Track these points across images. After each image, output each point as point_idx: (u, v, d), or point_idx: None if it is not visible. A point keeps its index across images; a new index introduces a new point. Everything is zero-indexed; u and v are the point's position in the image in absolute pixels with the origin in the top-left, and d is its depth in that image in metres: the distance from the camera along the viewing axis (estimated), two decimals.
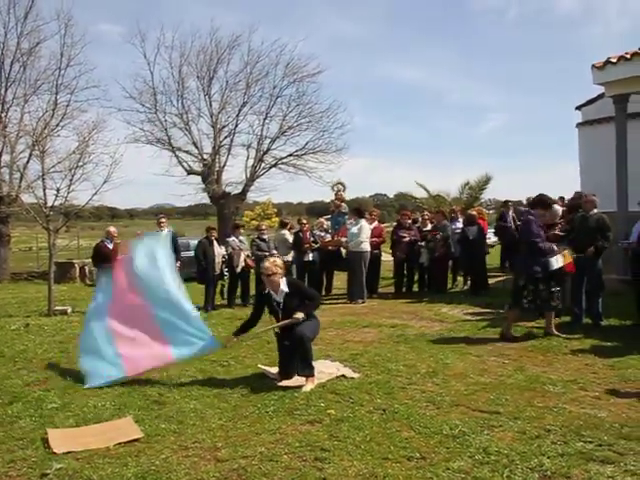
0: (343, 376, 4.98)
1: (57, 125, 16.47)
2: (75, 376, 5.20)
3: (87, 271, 17.35)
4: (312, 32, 58.37)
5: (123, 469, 3.22)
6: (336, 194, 13.45)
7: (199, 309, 9.45)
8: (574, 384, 4.62)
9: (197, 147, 21.64)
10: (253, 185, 21.98)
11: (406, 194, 23.41)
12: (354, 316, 8.32)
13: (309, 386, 4.66)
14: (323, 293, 10.51)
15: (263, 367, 5.36)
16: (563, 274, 6.45)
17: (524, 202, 14.67)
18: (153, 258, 5.55)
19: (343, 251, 10.65)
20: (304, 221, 10.72)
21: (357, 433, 3.64)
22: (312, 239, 10.40)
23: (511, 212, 12.66)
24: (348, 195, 14.94)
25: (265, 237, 10.42)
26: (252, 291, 9.48)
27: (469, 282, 10.61)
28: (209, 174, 21.09)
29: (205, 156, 21.53)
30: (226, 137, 21.89)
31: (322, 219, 11.77)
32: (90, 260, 12.23)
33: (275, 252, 9.85)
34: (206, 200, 22.95)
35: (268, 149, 21.91)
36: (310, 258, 10.28)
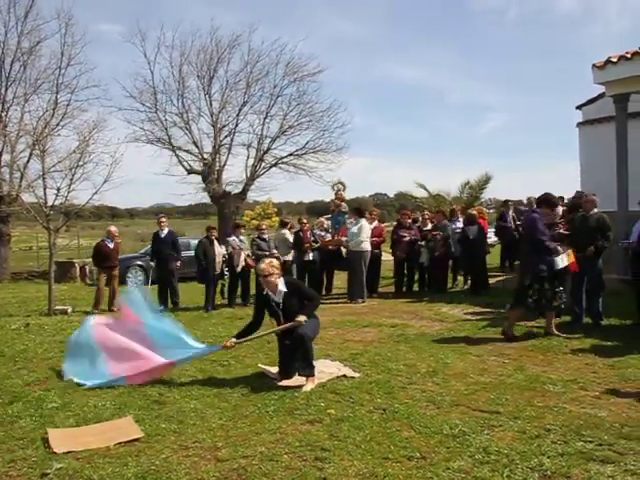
0: (344, 376, 4.98)
1: (57, 124, 16.46)
2: None
3: (87, 271, 17.36)
4: (312, 32, 58.65)
5: (123, 469, 3.22)
6: (336, 193, 13.45)
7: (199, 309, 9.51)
8: (574, 384, 4.62)
9: (197, 146, 21.66)
10: (253, 184, 21.99)
11: (406, 194, 23.39)
12: (354, 316, 8.33)
13: (309, 386, 4.66)
14: (323, 292, 10.52)
15: (263, 367, 5.37)
16: (564, 273, 6.45)
17: (524, 202, 14.68)
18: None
19: (343, 250, 10.66)
20: (304, 220, 10.72)
21: (357, 433, 3.64)
22: (312, 239, 10.40)
23: (511, 212, 12.67)
24: (348, 195, 14.99)
25: (265, 237, 10.42)
26: (252, 291, 9.47)
27: (469, 282, 10.62)
28: (209, 173, 21.09)
29: (205, 155, 21.54)
30: (226, 136, 21.91)
31: (322, 218, 11.77)
32: (90, 259, 12.25)
33: (275, 252, 9.86)
34: (206, 199, 22.98)
35: (268, 148, 21.93)
36: (310, 258, 10.28)
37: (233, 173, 23.56)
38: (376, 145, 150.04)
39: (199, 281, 10.08)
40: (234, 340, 5.07)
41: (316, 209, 39.71)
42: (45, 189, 9.90)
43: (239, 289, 9.97)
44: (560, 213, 7.73)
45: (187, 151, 21.71)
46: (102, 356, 5.14)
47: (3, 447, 3.60)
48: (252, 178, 21.72)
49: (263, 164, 21.96)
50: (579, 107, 12.47)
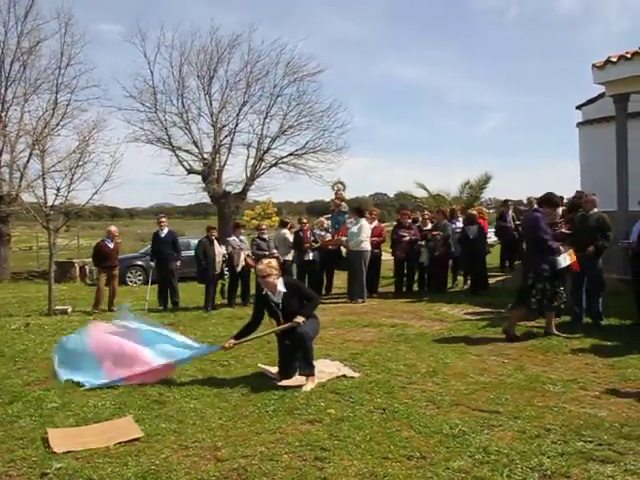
0: (344, 376, 4.98)
1: (57, 124, 16.47)
2: None
3: (87, 270, 17.37)
4: (312, 31, 58.68)
5: (123, 469, 3.21)
6: (336, 193, 13.45)
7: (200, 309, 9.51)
8: (574, 383, 4.62)
9: (197, 146, 21.66)
10: (253, 184, 21.99)
11: (406, 193, 23.36)
12: (354, 315, 8.33)
13: (309, 385, 4.66)
14: (323, 292, 10.52)
15: (263, 366, 5.36)
16: (565, 273, 6.45)
17: (524, 201, 14.67)
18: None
19: (343, 250, 10.66)
20: (304, 220, 10.72)
21: (357, 432, 3.63)
22: (312, 238, 10.40)
23: (511, 212, 12.66)
24: (348, 194, 14.99)
25: (265, 236, 10.43)
26: (252, 290, 9.47)
27: (469, 282, 10.62)
28: (209, 173, 21.10)
29: (205, 155, 21.54)
30: (226, 136, 21.92)
31: (322, 218, 11.78)
32: (90, 259, 12.25)
33: (275, 252, 9.86)
34: (206, 199, 22.98)
35: (268, 148, 21.93)
36: (310, 257, 10.28)
37: (233, 173, 23.50)
38: (376, 145, 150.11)
39: (199, 281, 10.08)
40: (233, 341, 5.07)
41: (316, 209, 39.71)
42: (45, 189, 9.92)
43: (239, 289, 9.97)
44: (560, 213, 7.71)
45: (187, 151, 21.74)
46: (97, 364, 5.12)
47: (3, 447, 3.60)
48: (252, 178, 21.72)
49: (263, 164, 21.98)
50: (579, 107, 12.47)
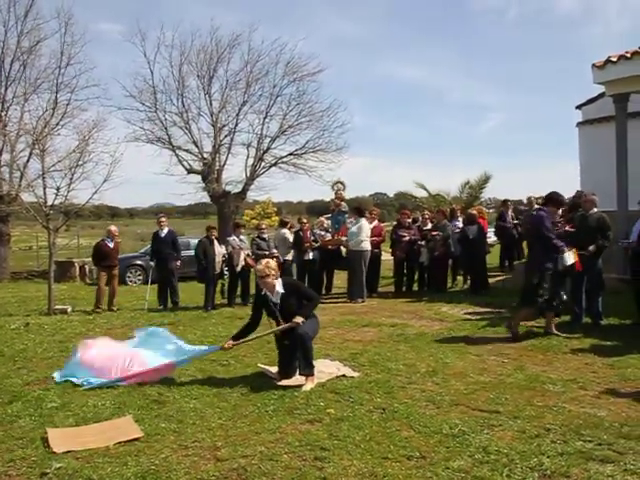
0: (343, 375, 4.98)
1: (57, 124, 16.48)
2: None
3: (87, 270, 17.38)
4: (312, 31, 58.74)
5: (123, 468, 3.21)
6: (336, 193, 13.46)
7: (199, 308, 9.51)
8: (574, 383, 4.62)
9: (197, 146, 21.67)
10: (253, 184, 22.01)
11: (406, 193, 23.36)
12: (354, 315, 8.33)
13: (309, 385, 4.66)
14: (323, 292, 10.52)
15: (263, 366, 5.36)
16: (571, 271, 6.46)
17: (524, 201, 14.67)
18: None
19: (343, 250, 10.66)
20: (304, 220, 10.73)
21: (357, 432, 3.64)
22: (312, 238, 10.40)
23: (510, 211, 12.66)
24: (348, 194, 15.00)
25: (265, 236, 10.43)
26: (252, 290, 9.47)
27: (469, 281, 10.61)
28: (209, 173, 21.10)
29: (205, 155, 21.55)
30: (226, 136, 21.92)
31: (322, 218, 11.78)
32: (90, 259, 12.25)
33: (275, 251, 9.86)
34: (206, 199, 22.99)
35: (268, 148, 21.94)
36: (310, 257, 10.28)
37: (233, 173, 23.55)
38: (376, 145, 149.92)
39: (199, 281, 10.08)
40: (232, 342, 5.07)
41: (316, 209, 39.73)
42: (45, 188, 9.92)
43: (239, 289, 9.97)
44: (560, 212, 7.71)
45: (187, 151, 21.75)
46: (89, 372, 5.12)
47: (2, 447, 3.60)
48: (252, 178, 21.72)
49: (263, 164, 21.99)
50: (579, 107, 12.45)
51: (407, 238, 10.45)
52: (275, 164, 22.10)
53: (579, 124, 12.40)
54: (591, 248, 6.74)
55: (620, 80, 8.70)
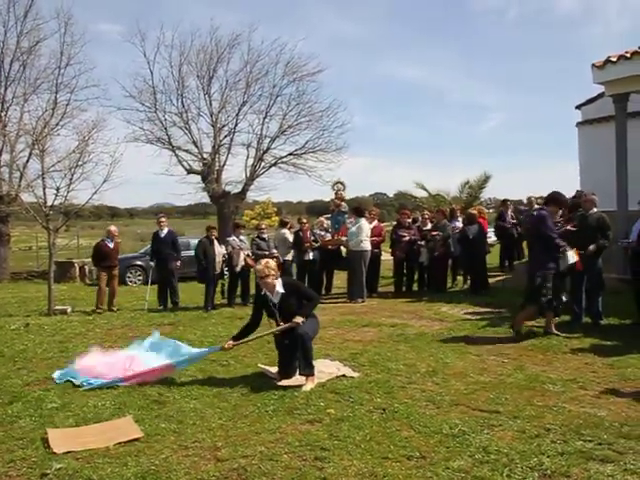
0: (343, 375, 4.98)
1: (57, 124, 16.48)
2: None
3: (87, 270, 17.37)
4: (312, 31, 58.75)
5: (123, 469, 3.22)
6: (336, 193, 13.45)
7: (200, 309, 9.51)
8: (574, 383, 4.62)
9: (197, 146, 21.66)
10: (253, 184, 22.00)
11: (406, 193, 23.35)
12: (354, 315, 8.33)
13: (309, 385, 4.67)
14: (323, 292, 10.52)
15: (263, 366, 5.37)
16: (573, 270, 6.47)
17: (524, 201, 14.67)
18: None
19: (343, 250, 10.66)
20: (304, 220, 10.73)
21: (357, 432, 3.64)
22: (312, 238, 10.41)
23: (510, 211, 12.65)
24: (348, 194, 14.97)
25: (265, 236, 10.43)
26: (252, 290, 9.47)
27: (469, 281, 10.61)
28: (209, 173, 21.09)
29: (205, 155, 21.54)
30: (226, 136, 21.92)
31: (322, 218, 11.78)
32: (90, 259, 12.24)
33: (275, 251, 9.86)
34: (206, 199, 22.99)
35: (268, 148, 21.94)
36: (310, 257, 10.28)
37: (233, 173, 23.55)
38: (376, 145, 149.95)
39: (199, 281, 10.08)
40: (232, 342, 5.07)
41: (316, 209, 39.75)
42: (44, 189, 9.91)
43: (239, 289, 9.97)
44: (559, 212, 7.72)
45: (187, 151, 21.74)
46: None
47: (3, 447, 3.60)
48: (252, 178, 21.72)
49: (263, 164, 21.99)
50: (579, 107, 12.45)
51: (407, 238, 10.45)
52: (275, 164, 22.11)
53: (579, 124, 12.40)
54: (591, 248, 6.74)
55: (620, 80, 8.71)
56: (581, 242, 6.76)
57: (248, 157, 21.89)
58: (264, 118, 21.85)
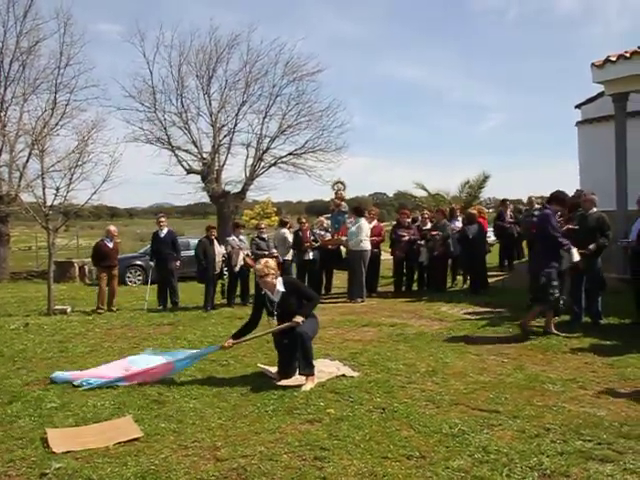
0: (343, 375, 4.98)
1: (56, 124, 16.51)
2: None
3: (87, 270, 17.37)
4: (312, 31, 58.79)
5: (122, 469, 3.21)
6: (336, 193, 13.45)
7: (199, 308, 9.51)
8: (573, 383, 4.62)
9: (196, 146, 21.66)
10: (252, 184, 22.00)
11: (406, 193, 23.40)
12: (354, 315, 8.33)
13: (309, 385, 4.66)
14: (323, 292, 10.52)
15: (262, 366, 5.36)
16: (574, 269, 6.48)
17: (524, 201, 14.68)
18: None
19: (343, 250, 10.66)
20: (303, 220, 10.73)
21: (357, 432, 3.63)
22: (312, 238, 10.41)
23: (509, 211, 12.64)
24: (347, 194, 14.99)
25: (265, 236, 10.43)
26: (252, 290, 9.47)
27: (468, 281, 10.61)
28: (208, 173, 21.09)
29: (204, 155, 21.54)
30: (225, 136, 21.91)
31: (322, 218, 11.78)
32: (90, 259, 12.24)
33: (275, 251, 9.86)
34: (205, 199, 22.99)
35: (267, 148, 21.93)
36: (310, 257, 10.28)
37: (232, 173, 23.54)
38: (376, 145, 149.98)
39: (199, 281, 10.08)
40: (232, 341, 5.07)
41: (315, 208, 39.77)
42: (44, 189, 9.91)
43: (238, 289, 9.97)
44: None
45: (186, 151, 21.73)
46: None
47: (2, 447, 3.60)
48: (251, 177, 21.72)
49: (262, 163, 21.98)
50: (578, 106, 12.46)
51: (407, 238, 10.46)
52: (274, 164, 22.10)
53: (578, 123, 12.41)
54: (591, 246, 6.74)
55: (619, 79, 8.71)
56: (581, 242, 6.75)
57: (248, 157, 21.92)
58: (264, 118, 21.88)
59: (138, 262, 16.36)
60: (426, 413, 3.98)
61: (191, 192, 22.37)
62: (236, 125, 21.85)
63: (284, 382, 4.82)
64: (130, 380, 4.92)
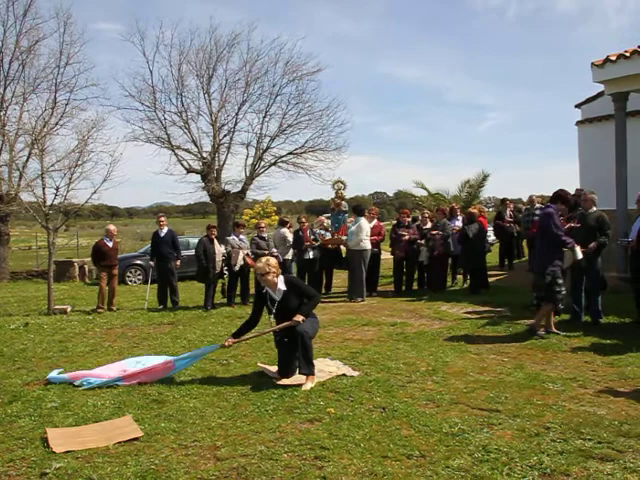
0: (343, 375, 4.98)
1: (56, 123, 16.46)
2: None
3: (87, 270, 17.37)
4: (312, 30, 58.98)
5: (123, 468, 3.21)
6: (337, 192, 13.44)
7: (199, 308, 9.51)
8: (573, 382, 4.63)
9: (197, 145, 21.62)
10: (253, 183, 21.96)
11: (405, 192, 23.33)
12: (354, 314, 8.33)
13: (309, 384, 4.67)
14: (323, 291, 10.52)
15: (262, 365, 5.36)
16: (575, 268, 6.49)
17: (524, 200, 14.67)
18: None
19: (343, 249, 10.65)
20: (303, 220, 10.73)
21: (357, 431, 3.64)
22: (313, 237, 10.41)
23: (509, 210, 12.65)
24: (347, 193, 14.99)
25: (265, 235, 10.43)
26: (252, 290, 9.47)
27: (469, 280, 10.61)
28: (209, 172, 21.07)
29: (205, 154, 21.51)
30: (225, 135, 21.87)
31: (322, 217, 11.77)
32: (90, 259, 12.24)
33: (275, 251, 9.86)
34: (205, 199, 22.91)
35: (268, 147, 21.90)
36: (310, 256, 10.28)
37: (232, 172, 23.45)
38: (375, 144, 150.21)
39: (199, 280, 10.07)
40: (232, 339, 5.08)
41: (315, 208, 39.81)
42: (44, 188, 9.91)
43: (238, 288, 9.97)
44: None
45: (186, 150, 21.69)
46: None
47: (2, 447, 3.60)
48: (251, 177, 21.70)
49: (262, 163, 21.94)
50: (578, 105, 12.45)
51: (407, 237, 10.45)
52: (274, 163, 22.07)
53: (578, 123, 12.40)
54: (592, 245, 6.75)
55: (619, 79, 8.71)
56: (581, 241, 6.76)
57: (248, 156, 21.87)
58: (264, 117, 21.83)
59: (138, 261, 16.35)
60: (426, 412, 3.98)
61: (191, 191, 22.31)
62: (236, 124, 21.82)
63: (284, 381, 4.83)
64: (130, 380, 4.92)
